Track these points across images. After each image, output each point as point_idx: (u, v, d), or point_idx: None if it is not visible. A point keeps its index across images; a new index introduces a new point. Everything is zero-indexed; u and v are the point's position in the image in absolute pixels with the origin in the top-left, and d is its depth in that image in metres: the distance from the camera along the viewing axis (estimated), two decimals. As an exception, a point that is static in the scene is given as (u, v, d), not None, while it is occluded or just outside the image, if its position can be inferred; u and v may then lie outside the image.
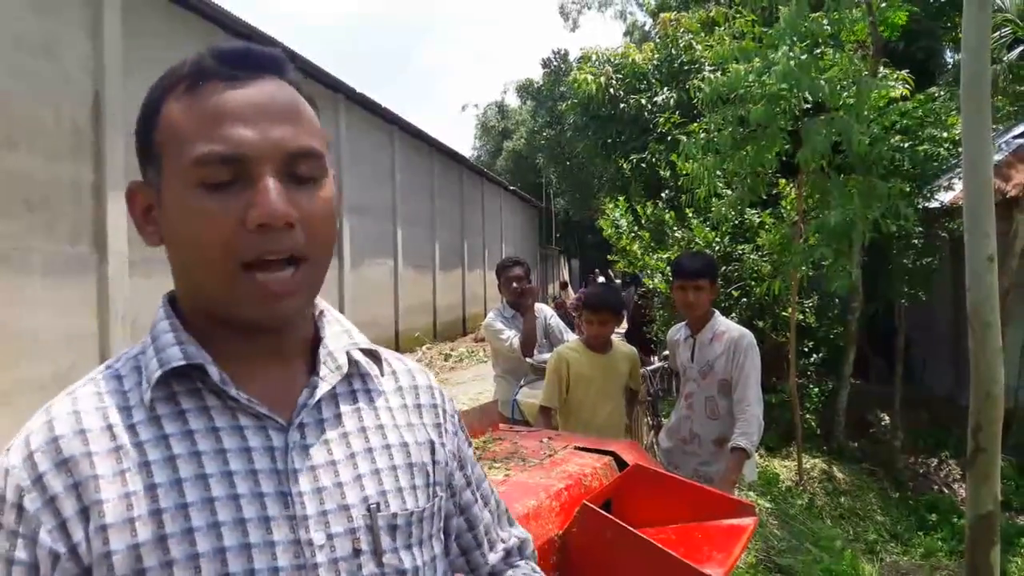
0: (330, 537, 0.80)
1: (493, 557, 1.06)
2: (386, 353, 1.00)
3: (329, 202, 0.84)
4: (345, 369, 0.90)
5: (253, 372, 0.85)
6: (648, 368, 5.92)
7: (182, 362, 0.80)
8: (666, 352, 4.46)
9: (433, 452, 0.95)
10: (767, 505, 6.03)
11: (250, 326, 0.83)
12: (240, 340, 0.84)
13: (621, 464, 2.47)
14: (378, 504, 0.85)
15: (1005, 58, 8.88)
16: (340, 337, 0.93)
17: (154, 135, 0.81)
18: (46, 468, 0.75)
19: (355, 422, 0.89)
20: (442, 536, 0.96)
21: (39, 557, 0.73)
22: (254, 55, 0.82)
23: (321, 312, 0.94)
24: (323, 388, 0.87)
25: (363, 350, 0.94)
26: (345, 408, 0.89)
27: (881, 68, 6.90)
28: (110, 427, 0.78)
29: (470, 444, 1.08)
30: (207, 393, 0.82)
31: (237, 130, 0.77)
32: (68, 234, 6.66)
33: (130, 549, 0.73)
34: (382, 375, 0.96)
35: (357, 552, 0.82)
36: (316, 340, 0.91)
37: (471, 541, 1.04)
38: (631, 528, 1.92)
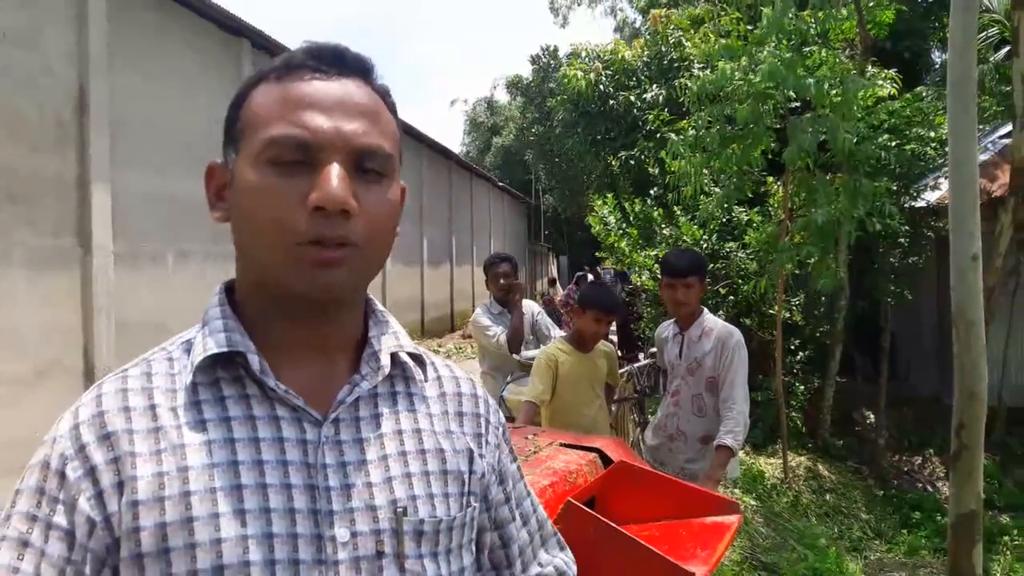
0: (354, 535, 0.80)
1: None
2: (433, 359, 1.00)
3: (392, 203, 0.86)
4: (388, 370, 0.89)
5: (297, 363, 0.86)
6: (635, 365, 5.93)
7: (224, 348, 0.82)
8: (653, 349, 4.47)
9: (471, 462, 0.94)
10: (752, 502, 6.05)
11: (299, 300, 0.82)
12: (290, 329, 0.85)
13: (606, 461, 2.46)
14: (405, 508, 0.84)
15: (992, 58, 8.95)
16: (388, 338, 0.93)
17: (238, 119, 0.84)
18: (89, 440, 0.78)
19: (392, 424, 0.89)
20: (473, 548, 0.94)
21: (76, 523, 0.75)
22: (344, 55, 0.85)
23: (374, 311, 0.95)
24: (364, 386, 0.87)
25: (410, 354, 0.94)
26: (384, 409, 0.89)
27: (869, 67, 6.94)
28: (153, 407, 0.81)
29: (515, 459, 1.06)
30: (249, 381, 0.83)
31: (313, 117, 0.80)
32: (51, 227, 6.59)
33: (157, 527, 0.74)
34: (426, 380, 0.96)
35: (380, 554, 0.81)
36: (364, 339, 0.92)
37: (503, 559, 1.02)
38: (615, 525, 1.91)
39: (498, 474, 1.00)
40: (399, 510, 0.83)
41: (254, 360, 0.82)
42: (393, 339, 0.93)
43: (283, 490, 0.79)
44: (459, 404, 0.98)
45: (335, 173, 0.78)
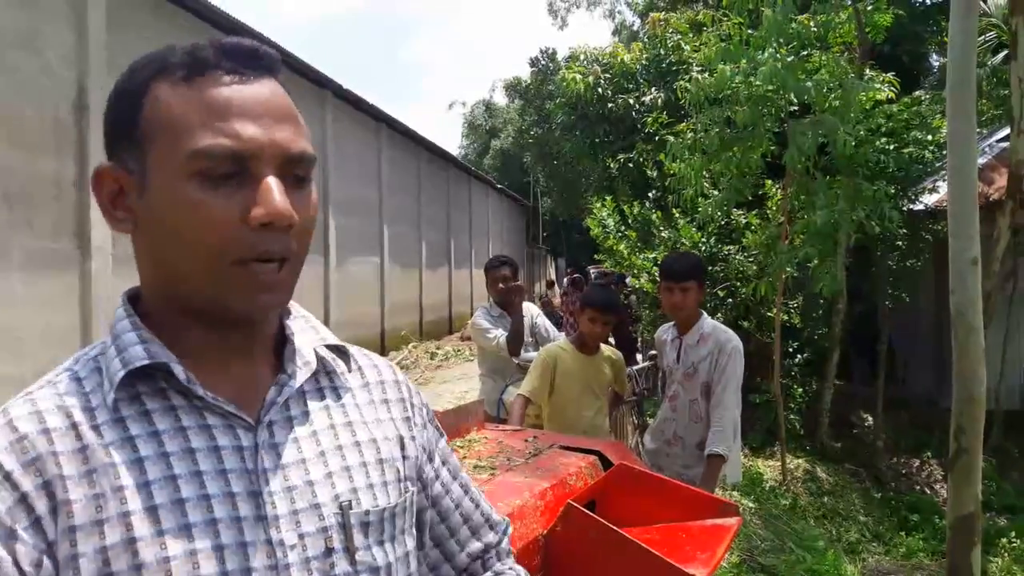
0: (301, 537, 0.80)
1: (473, 545, 1.06)
2: (352, 349, 1.00)
3: (315, 206, 0.84)
4: (314, 366, 0.89)
5: (220, 370, 0.83)
6: (634, 367, 5.94)
7: (146, 361, 0.78)
8: (653, 351, 4.47)
9: (403, 447, 0.95)
10: (751, 505, 6.05)
11: (233, 318, 0.81)
12: (209, 337, 0.83)
13: (606, 464, 2.46)
14: (350, 502, 0.84)
15: (989, 62, 8.96)
16: (307, 333, 0.92)
17: (140, 118, 0.78)
18: (13, 467, 0.72)
19: (324, 419, 0.88)
20: (415, 531, 0.96)
21: (19, 556, 0.69)
22: (259, 54, 0.81)
23: (287, 309, 0.93)
24: (292, 385, 0.86)
25: (331, 346, 0.94)
26: (313, 405, 0.89)
27: (867, 70, 6.95)
28: (74, 426, 0.76)
29: (442, 435, 1.07)
30: (172, 393, 0.80)
31: (245, 127, 0.76)
32: (49, 230, 6.58)
33: (97, 552, 0.71)
34: (349, 371, 0.96)
35: (330, 551, 0.81)
36: (282, 337, 0.91)
37: (445, 532, 1.04)
38: (615, 528, 1.91)
39: (428, 453, 1.01)
40: (344, 504, 0.84)
41: (179, 371, 0.79)
42: (313, 333, 0.92)
43: (227, 499, 0.77)
44: (383, 391, 0.98)
45: (276, 186, 0.76)
